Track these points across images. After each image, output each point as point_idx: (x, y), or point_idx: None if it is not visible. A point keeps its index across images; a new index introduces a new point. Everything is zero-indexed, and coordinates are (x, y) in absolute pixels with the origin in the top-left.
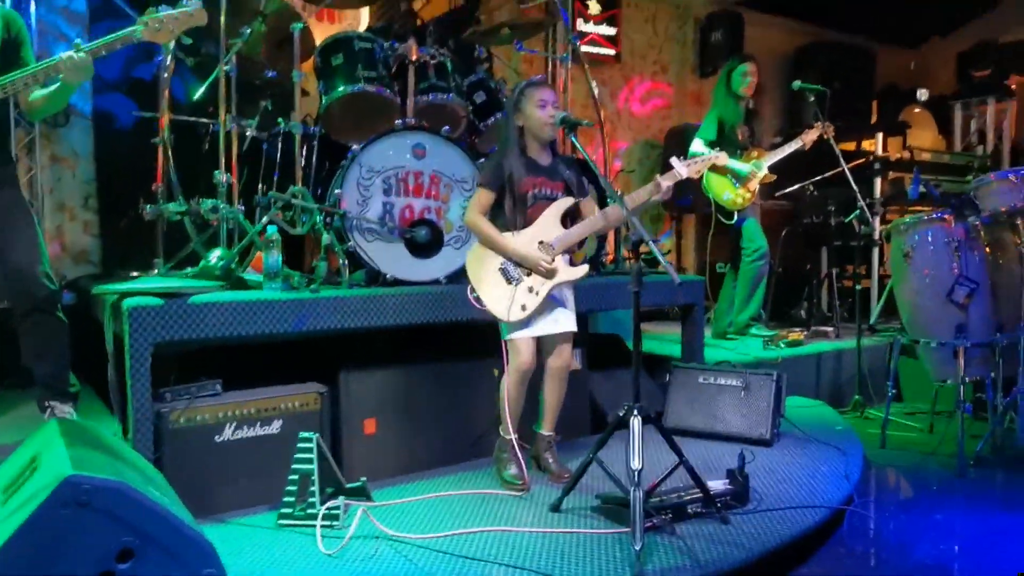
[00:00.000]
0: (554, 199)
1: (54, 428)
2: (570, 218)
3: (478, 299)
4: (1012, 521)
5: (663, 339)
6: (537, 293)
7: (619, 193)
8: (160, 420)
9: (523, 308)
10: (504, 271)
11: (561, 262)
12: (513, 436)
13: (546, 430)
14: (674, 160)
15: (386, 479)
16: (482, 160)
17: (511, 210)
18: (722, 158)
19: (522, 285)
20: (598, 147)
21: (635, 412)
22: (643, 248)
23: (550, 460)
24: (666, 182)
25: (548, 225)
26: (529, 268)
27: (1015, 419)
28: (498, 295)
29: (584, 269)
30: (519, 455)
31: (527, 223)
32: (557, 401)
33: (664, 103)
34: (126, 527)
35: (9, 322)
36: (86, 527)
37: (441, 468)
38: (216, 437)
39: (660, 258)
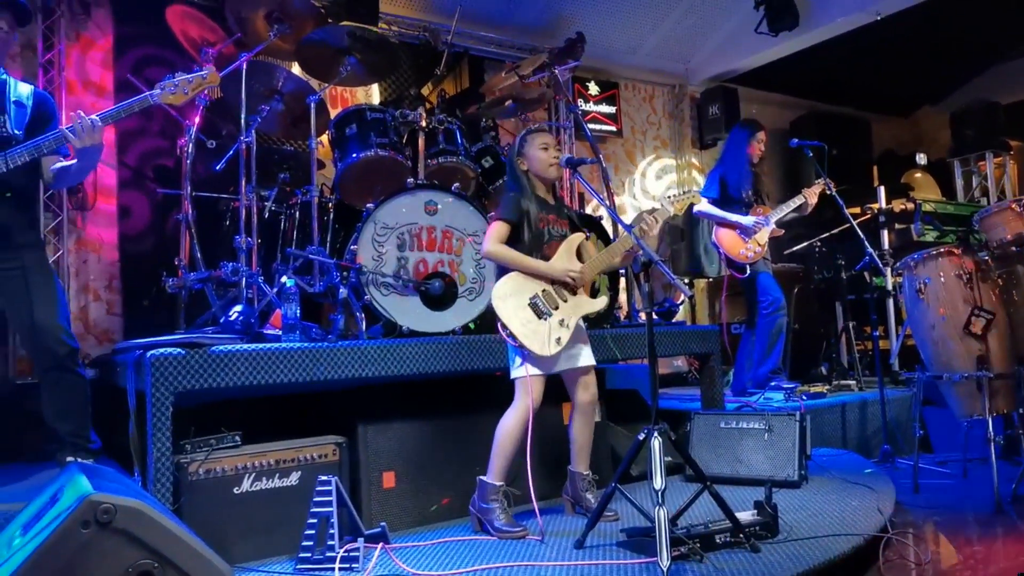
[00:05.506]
0: (565, 236)
1: (75, 469)
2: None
3: (511, 335)
4: None
5: (682, 398)
6: (568, 326)
7: (631, 226)
8: (180, 471)
9: (558, 342)
10: (534, 306)
11: (583, 293)
12: (503, 482)
13: (583, 469)
14: (660, 200)
15: (405, 531)
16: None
17: (531, 243)
18: (697, 196)
19: (553, 319)
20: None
21: (654, 434)
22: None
23: (592, 500)
24: (651, 217)
25: (567, 257)
26: (560, 281)
27: None
28: (533, 330)
29: (604, 300)
30: (512, 503)
31: (545, 259)
32: (587, 438)
33: (671, 178)
34: (146, 548)
35: (25, 398)
36: (105, 548)
37: (461, 519)
38: (235, 489)
39: (667, 272)
